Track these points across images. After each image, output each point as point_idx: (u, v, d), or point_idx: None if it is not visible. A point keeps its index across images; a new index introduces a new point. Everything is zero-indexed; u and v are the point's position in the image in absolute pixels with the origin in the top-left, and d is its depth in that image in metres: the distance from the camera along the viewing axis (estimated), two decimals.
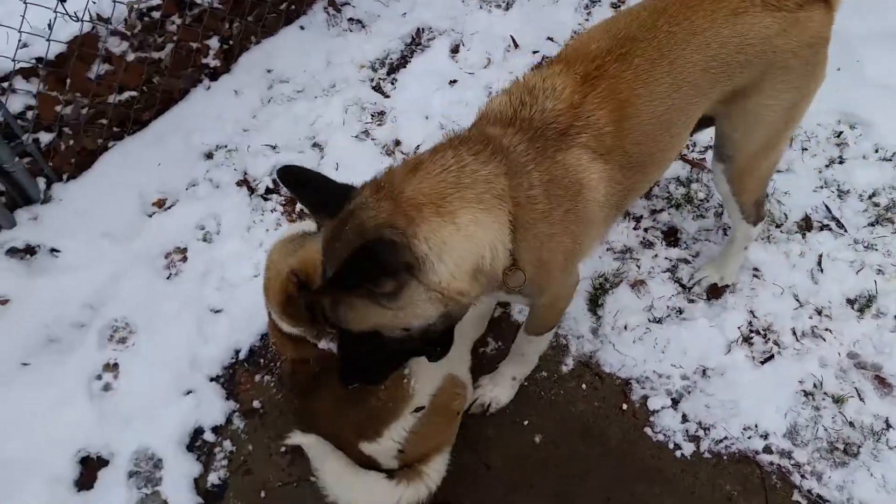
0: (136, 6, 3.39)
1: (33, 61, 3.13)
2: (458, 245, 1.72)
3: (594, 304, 2.88)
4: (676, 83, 2.00)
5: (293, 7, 4.00)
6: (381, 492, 2.28)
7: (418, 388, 2.29)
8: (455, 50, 3.90)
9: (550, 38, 3.84)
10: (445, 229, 1.70)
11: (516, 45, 3.83)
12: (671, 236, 3.05)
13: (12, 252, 3.18)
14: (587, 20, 3.88)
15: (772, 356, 2.69)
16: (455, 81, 3.74)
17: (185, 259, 3.19)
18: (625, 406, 2.63)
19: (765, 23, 2.04)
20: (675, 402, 2.61)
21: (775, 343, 2.73)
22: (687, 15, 2.02)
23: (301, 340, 2.41)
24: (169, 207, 3.38)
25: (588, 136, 1.91)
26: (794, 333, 2.73)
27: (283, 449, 2.66)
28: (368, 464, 2.32)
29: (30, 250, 3.21)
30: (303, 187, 1.85)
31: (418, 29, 4.01)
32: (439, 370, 2.30)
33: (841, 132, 3.27)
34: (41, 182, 3.33)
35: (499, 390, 2.63)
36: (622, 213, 2.29)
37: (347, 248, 1.69)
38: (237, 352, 2.93)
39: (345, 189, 1.83)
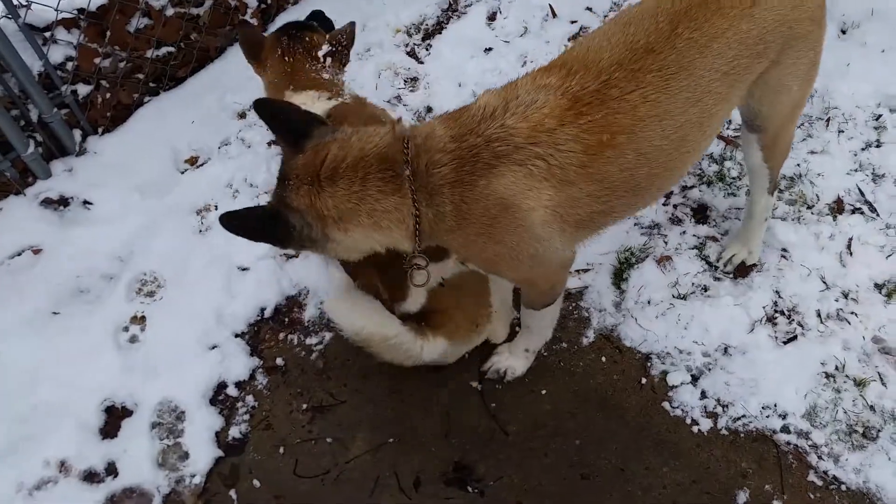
0: None
1: (75, 12, 3.16)
2: (349, 242, 1.99)
3: (618, 278, 2.87)
4: (695, 96, 1.89)
5: None
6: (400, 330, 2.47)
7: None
8: (492, 17, 3.87)
9: (589, 9, 3.80)
10: (339, 234, 1.95)
11: (554, 15, 3.79)
12: (700, 213, 3.03)
13: (47, 202, 3.25)
14: None
15: (795, 337, 2.67)
16: (490, 49, 3.71)
17: (215, 217, 3.22)
18: (644, 380, 2.63)
19: (781, 2, 1.99)
20: (695, 379, 2.61)
21: (799, 324, 2.70)
22: (707, 17, 1.89)
23: None
24: (201, 165, 3.43)
25: (541, 166, 1.82)
26: (819, 315, 2.71)
27: (304, 406, 2.71)
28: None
29: (63, 201, 3.27)
30: (275, 119, 2.03)
31: None
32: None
33: (880, 115, 3.20)
34: (77, 134, 3.39)
35: (513, 360, 2.65)
36: (619, 220, 2.19)
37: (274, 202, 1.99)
38: (262, 310, 2.97)
39: (306, 123, 2.00)
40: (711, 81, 1.90)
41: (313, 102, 2.55)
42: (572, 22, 3.75)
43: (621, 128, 1.82)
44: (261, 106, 2.04)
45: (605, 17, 3.76)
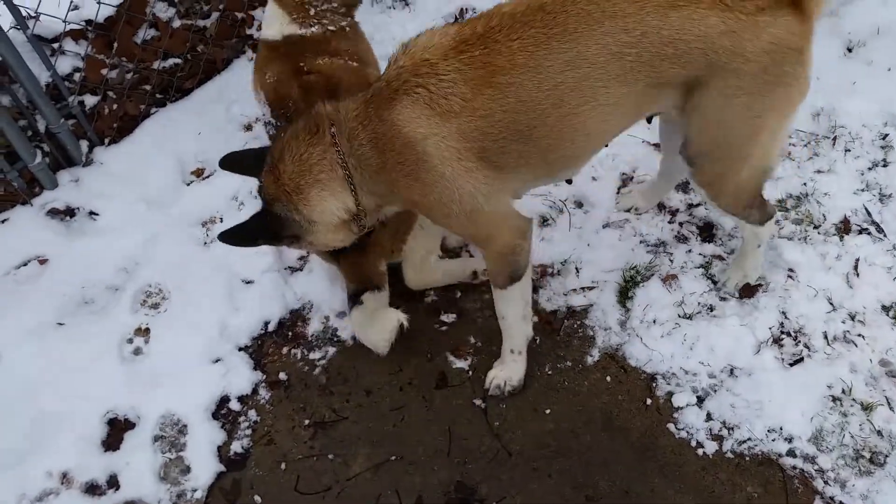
0: None
1: (83, 23, 3.18)
2: (318, 216, 2.23)
3: (623, 296, 2.86)
4: (573, 62, 1.96)
5: None
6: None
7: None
8: None
9: None
10: (307, 208, 2.21)
11: None
12: (706, 232, 3.02)
13: (53, 213, 3.25)
14: None
15: (801, 359, 2.65)
16: None
17: (220, 229, 3.21)
18: (649, 401, 2.62)
19: (708, 21, 1.96)
20: (701, 400, 2.59)
21: (806, 346, 2.69)
22: None
23: None
24: (207, 177, 3.43)
25: (423, 93, 2.00)
26: (826, 337, 2.69)
27: (306, 422, 2.70)
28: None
29: (69, 212, 3.28)
30: (237, 166, 2.43)
31: (461, 9, 3.98)
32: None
33: (887, 135, 3.19)
34: (84, 145, 3.40)
35: (506, 368, 2.64)
36: (532, 169, 2.26)
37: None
38: (266, 323, 2.97)
39: (259, 154, 2.31)
40: (597, 56, 1.96)
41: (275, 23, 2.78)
42: None
43: (498, 68, 1.96)
44: (223, 162, 2.46)
45: None
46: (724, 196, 2.41)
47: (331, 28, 2.82)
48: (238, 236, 2.28)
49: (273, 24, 2.81)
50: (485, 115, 2.01)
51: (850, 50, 3.52)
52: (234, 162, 2.43)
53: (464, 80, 1.98)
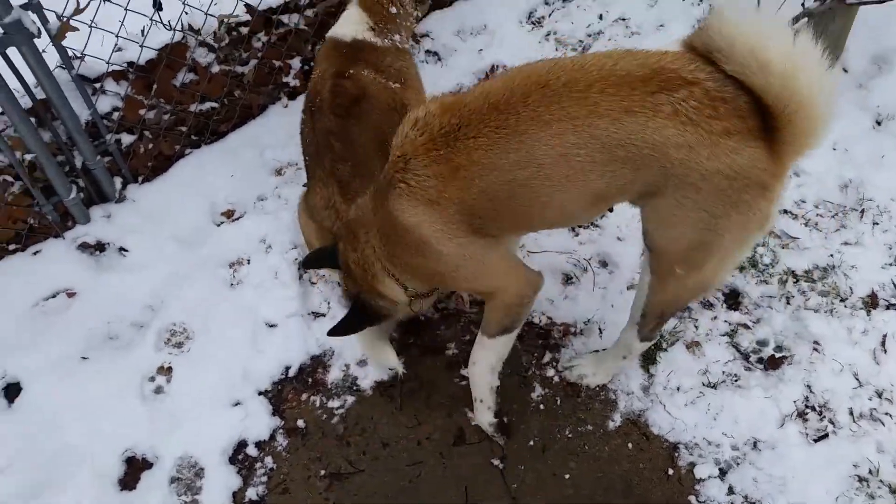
0: (226, 21, 3.49)
1: (125, 65, 3.25)
2: (396, 297, 2.48)
3: (647, 360, 2.84)
4: (522, 161, 2.01)
5: None
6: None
7: None
8: None
9: None
10: (384, 296, 2.48)
11: None
12: (732, 299, 3.01)
13: (84, 247, 3.29)
14: None
15: (826, 435, 2.62)
16: None
17: (247, 271, 3.25)
18: (671, 471, 2.59)
19: (665, 131, 1.88)
20: (723, 473, 2.56)
21: (831, 421, 2.66)
22: (561, 100, 1.95)
23: None
24: (237, 219, 3.46)
25: (407, 186, 2.13)
26: (852, 414, 2.66)
27: (322, 473, 2.69)
28: None
29: (100, 247, 3.32)
30: (321, 262, 2.71)
31: (493, 66, 4.05)
32: None
33: None
34: (118, 181, 3.45)
35: (476, 413, 2.71)
36: (515, 232, 2.51)
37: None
38: (287, 368, 2.97)
39: (333, 252, 2.55)
40: (545, 157, 1.99)
41: (352, 24, 2.89)
42: None
43: (459, 164, 2.06)
44: (305, 263, 2.92)
45: None
46: (662, 292, 2.35)
47: (399, 45, 2.89)
48: (345, 328, 2.54)
49: (349, 24, 2.96)
50: (458, 200, 2.12)
51: (878, 123, 3.53)
52: (316, 261, 2.75)
53: (433, 175, 2.10)
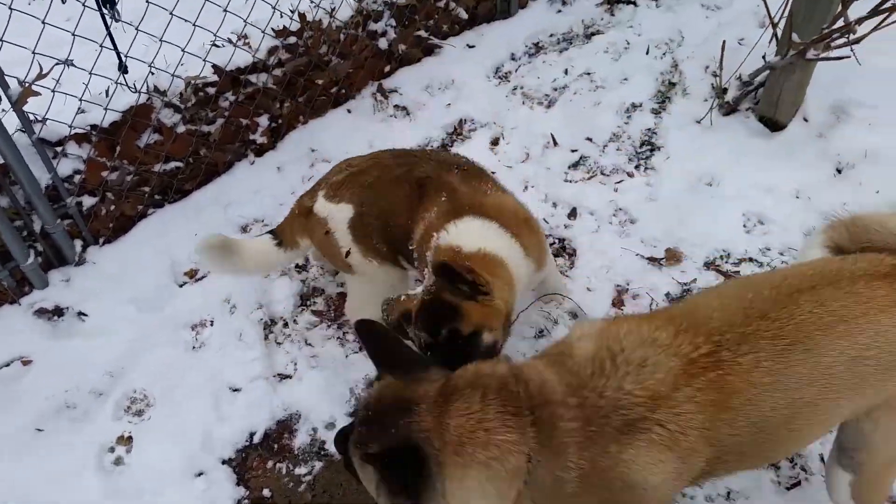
0: (193, 81, 3.48)
1: (88, 127, 3.21)
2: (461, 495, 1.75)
3: None
4: (812, 375, 1.72)
5: (343, 91, 4.10)
6: None
7: None
8: (495, 142, 3.95)
9: (589, 139, 3.87)
10: (458, 480, 1.74)
11: (555, 143, 3.87)
12: None
13: (41, 312, 3.22)
14: (627, 124, 3.91)
15: (798, 482, 2.59)
16: (494, 173, 3.75)
17: (210, 333, 3.19)
18: None
19: None
20: None
21: (802, 469, 2.63)
22: (836, 296, 1.75)
23: None
24: (200, 279, 3.41)
25: (662, 432, 1.69)
26: (823, 460, 2.63)
27: None
28: None
29: (58, 312, 3.24)
30: (375, 342, 1.99)
31: (461, 120, 4.07)
32: None
33: None
34: (78, 244, 3.39)
35: None
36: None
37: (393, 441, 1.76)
38: (252, 434, 2.89)
39: (416, 360, 1.93)
40: (834, 364, 1.73)
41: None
42: (573, 151, 3.82)
43: (734, 390, 1.71)
44: (361, 325, 2.02)
45: (605, 146, 3.82)
46: None
47: None
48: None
49: None
50: (715, 442, 1.74)
51: (839, 171, 3.58)
52: (389, 360, 1.96)
53: (699, 410, 1.70)
